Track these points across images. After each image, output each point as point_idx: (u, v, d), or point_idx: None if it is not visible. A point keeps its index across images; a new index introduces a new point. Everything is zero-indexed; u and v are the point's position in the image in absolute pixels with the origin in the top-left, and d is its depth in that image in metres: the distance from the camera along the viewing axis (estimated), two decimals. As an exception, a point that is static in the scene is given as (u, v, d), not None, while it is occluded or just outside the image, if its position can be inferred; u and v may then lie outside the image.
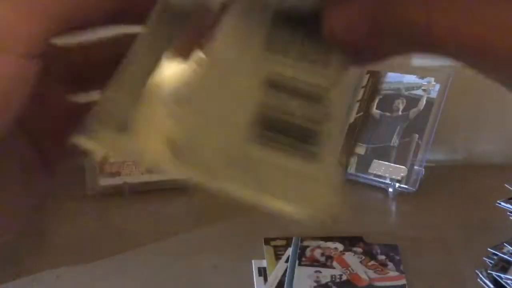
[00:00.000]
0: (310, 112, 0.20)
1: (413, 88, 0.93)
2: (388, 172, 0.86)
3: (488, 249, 0.71)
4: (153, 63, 0.20)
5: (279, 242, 0.74)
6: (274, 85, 0.20)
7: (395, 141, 0.89)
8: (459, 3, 0.19)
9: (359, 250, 0.73)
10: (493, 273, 0.67)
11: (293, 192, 0.18)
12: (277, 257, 0.71)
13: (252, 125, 0.19)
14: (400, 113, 0.91)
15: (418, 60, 0.97)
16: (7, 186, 0.22)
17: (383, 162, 0.88)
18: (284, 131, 0.20)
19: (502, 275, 0.67)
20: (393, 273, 0.69)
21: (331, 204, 0.18)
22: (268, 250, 0.72)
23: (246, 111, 0.19)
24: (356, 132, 0.92)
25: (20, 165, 0.22)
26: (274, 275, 0.68)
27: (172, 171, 0.18)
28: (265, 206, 0.18)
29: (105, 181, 0.84)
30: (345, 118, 0.21)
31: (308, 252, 0.72)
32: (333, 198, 0.18)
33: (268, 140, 0.19)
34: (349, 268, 0.70)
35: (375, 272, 0.69)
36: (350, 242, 0.75)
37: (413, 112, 0.91)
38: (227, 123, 0.19)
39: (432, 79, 0.92)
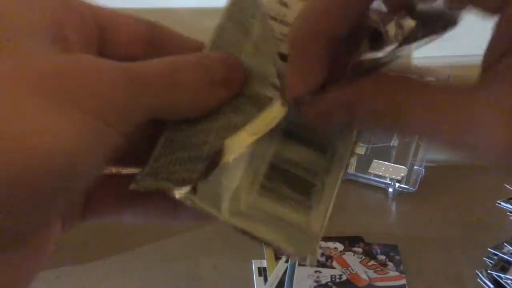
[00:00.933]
0: (312, 165, 0.23)
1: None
2: (388, 172, 0.86)
3: (488, 249, 0.71)
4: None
5: (279, 242, 0.74)
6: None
7: (395, 141, 0.89)
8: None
9: (359, 250, 0.73)
10: (493, 273, 0.67)
11: (282, 234, 0.21)
12: (277, 257, 0.71)
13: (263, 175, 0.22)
14: (400, 113, 0.91)
15: (418, 60, 0.97)
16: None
17: (383, 162, 0.88)
18: (285, 182, 0.23)
19: (502, 275, 0.67)
20: (393, 273, 0.69)
21: (311, 249, 0.22)
22: (268, 250, 0.72)
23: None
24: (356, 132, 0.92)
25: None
26: (274, 275, 0.68)
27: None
28: (259, 237, 0.21)
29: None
30: (344, 172, 0.23)
31: (308, 252, 0.72)
32: (313, 245, 0.22)
33: (270, 190, 0.22)
34: (349, 268, 0.70)
35: (375, 272, 0.69)
36: (350, 242, 0.75)
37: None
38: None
39: (432, 79, 0.92)
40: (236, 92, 0.22)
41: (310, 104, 0.21)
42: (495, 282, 0.67)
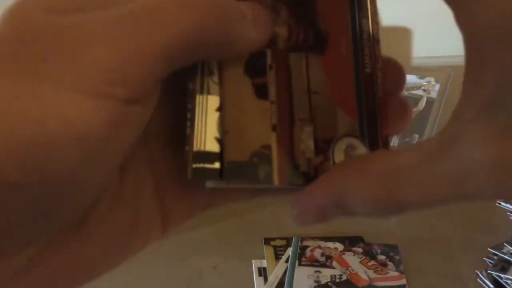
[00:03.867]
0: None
1: (413, 88, 0.93)
2: (388, 172, 0.86)
3: (488, 249, 0.71)
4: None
5: (279, 242, 0.74)
6: None
7: (395, 141, 0.89)
8: None
9: (359, 250, 0.73)
10: (493, 273, 0.67)
11: None
12: (277, 257, 0.71)
13: None
14: (400, 113, 0.92)
15: (418, 60, 0.97)
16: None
17: (383, 162, 0.88)
18: None
19: (502, 275, 0.67)
20: (393, 273, 0.69)
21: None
22: (268, 250, 0.72)
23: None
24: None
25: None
26: (274, 275, 0.68)
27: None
28: None
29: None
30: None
31: (308, 252, 0.72)
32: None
33: None
34: (349, 268, 0.70)
35: (375, 272, 0.69)
36: (350, 242, 0.75)
37: (413, 112, 0.91)
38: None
39: (432, 79, 0.92)
40: (265, 37, 0.20)
41: (300, 206, 0.21)
42: (495, 282, 0.67)
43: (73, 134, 0.15)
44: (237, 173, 0.20)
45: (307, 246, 0.73)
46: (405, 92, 0.93)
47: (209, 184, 0.21)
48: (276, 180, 0.21)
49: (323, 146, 0.22)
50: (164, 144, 0.22)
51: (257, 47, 0.20)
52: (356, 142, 0.23)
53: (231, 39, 0.18)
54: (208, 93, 0.21)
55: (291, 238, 0.74)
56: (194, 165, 0.20)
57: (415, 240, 0.76)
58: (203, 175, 0.20)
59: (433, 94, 0.90)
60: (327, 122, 0.23)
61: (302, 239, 0.74)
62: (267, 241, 0.74)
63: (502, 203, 0.78)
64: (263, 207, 0.81)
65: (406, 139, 0.89)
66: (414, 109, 0.91)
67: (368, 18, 0.24)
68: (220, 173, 0.20)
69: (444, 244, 0.75)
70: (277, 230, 0.76)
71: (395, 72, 0.23)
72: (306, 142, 0.22)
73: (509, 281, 0.66)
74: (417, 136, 0.88)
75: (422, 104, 0.90)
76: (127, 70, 0.16)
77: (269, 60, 0.22)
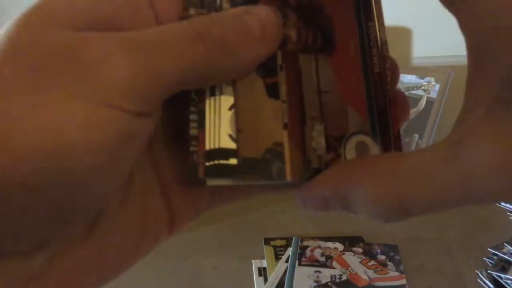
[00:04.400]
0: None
1: (413, 88, 0.93)
2: (388, 172, 0.86)
3: (488, 249, 0.71)
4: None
5: (279, 242, 0.74)
6: None
7: (395, 141, 0.89)
8: None
9: (359, 250, 0.73)
10: (493, 273, 0.67)
11: None
12: (277, 257, 0.71)
13: None
14: (400, 113, 0.91)
15: (418, 60, 0.97)
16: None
17: (383, 162, 0.88)
18: None
19: (502, 275, 0.67)
20: (393, 273, 0.69)
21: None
22: (268, 250, 0.72)
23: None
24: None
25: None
26: (274, 275, 0.68)
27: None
28: None
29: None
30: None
31: (308, 252, 0.72)
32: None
33: None
34: (349, 268, 0.70)
35: (375, 272, 0.69)
36: (350, 242, 0.75)
37: (413, 112, 0.91)
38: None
39: (432, 79, 0.92)
40: (274, 49, 0.21)
41: (305, 193, 0.21)
42: (495, 282, 0.67)
43: (90, 142, 0.16)
44: (251, 169, 0.21)
45: (307, 246, 0.73)
46: (405, 92, 0.93)
47: (212, 182, 0.21)
48: (288, 176, 0.21)
49: (334, 143, 0.23)
50: (167, 146, 0.22)
51: (266, 56, 0.21)
52: (367, 139, 0.23)
53: (237, 64, 0.20)
54: (221, 93, 0.21)
55: (291, 238, 0.74)
56: (207, 163, 0.21)
57: (415, 240, 0.76)
58: (218, 172, 0.21)
59: (433, 94, 0.90)
60: (337, 120, 0.23)
61: (302, 239, 0.74)
62: (267, 241, 0.74)
63: (502, 203, 0.78)
64: (263, 207, 0.81)
65: (406, 139, 0.89)
66: (414, 109, 0.91)
67: (374, 21, 0.24)
68: (236, 169, 0.21)
69: (444, 244, 0.75)
70: (277, 230, 0.76)
71: (389, 65, 0.24)
72: (317, 139, 0.23)
73: (509, 281, 0.66)
74: (417, 136, 0.88)
75: (422, 104, 0.90)
76: (142, 89, 0.17)
77: (279, 61, 0.23)
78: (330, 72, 0.24)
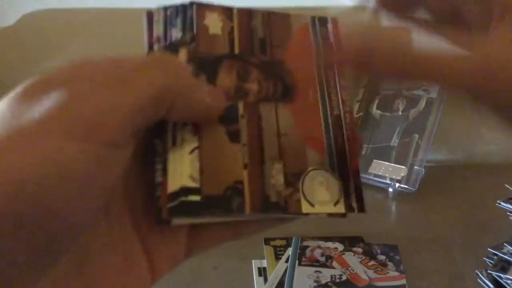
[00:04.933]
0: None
1: (413, 88, 0.93)
2: (388, 172, 0.86)
3: (488, 249, 0.71)
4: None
5: (279, 242, 0.74)
6: None
7: (395, 141, 0.89)
8: None
9: (359, 250, 0.73)
10: (493, 273, 0.67)
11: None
12: (277, 257, 0.71)
13: None
14: (400, 113, 0.91)
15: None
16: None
17: (383, 162, 0.88)
18: None
19: (502, 275, 0.67)
20: (393, 273, 0.69)
21: None
22: (268, 250, 0.72)
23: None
24: (356, 132, 0.92)
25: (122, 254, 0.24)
26: (274, 275, 0.68)
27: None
28: None
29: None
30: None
31: (308, 252, 0.72)
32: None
33: None
34: (349, 268, 0.70)
35: (375, 272, 0.69)
36: (350, 242, 0.75)
37: (413, 112, 0.91)
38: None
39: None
40: (220, 105, 0.25)
41: None
42: (495, 282, 0.67)
43: (62, 173, 0.18)
44: (212, 205, 0.23)
45: (307, 246, 0.73)
46: (405, 92, 0.93)
47: (177, 221, 0.23)
48: (247, 209, 0.24)
49: (293, 179, 0.26)
50: (142, 192, 0.25)
51: (214, 114, 0.24)
52: (324, 174, 0.26)
53: (189, 101, 0.23)
54: (182, 140, 0.24)
55: (291, 238, 0.74)
56: (170, 204, 0.23)
57: (415, 240, 0.76)
58: (180, 211, 0.23)
59: (433, 94, 0.90)
60: (296, 159, 0.26)
61: (302, 239, 0.74)
62: (267, 241, 0.74)
63: (502, 203, 0.78)
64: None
65: (406, 139, 0.89)
66: (414, 109, 0.91)
67: (333, 70, 0.28)
68: (199, 205, 0.23)
69: (444, 244, 0.75)
70: (277, 230, 0.75)
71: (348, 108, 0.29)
72: (276, 177, 0.25)
73: (509, 281, 0.66)
74: (417, 136, 0.88)
75: (422, 104, 0.90)
76: (103, 121, 0.20)
77: (241, 110, 0.26)
78: (290, 117, 0.27)
